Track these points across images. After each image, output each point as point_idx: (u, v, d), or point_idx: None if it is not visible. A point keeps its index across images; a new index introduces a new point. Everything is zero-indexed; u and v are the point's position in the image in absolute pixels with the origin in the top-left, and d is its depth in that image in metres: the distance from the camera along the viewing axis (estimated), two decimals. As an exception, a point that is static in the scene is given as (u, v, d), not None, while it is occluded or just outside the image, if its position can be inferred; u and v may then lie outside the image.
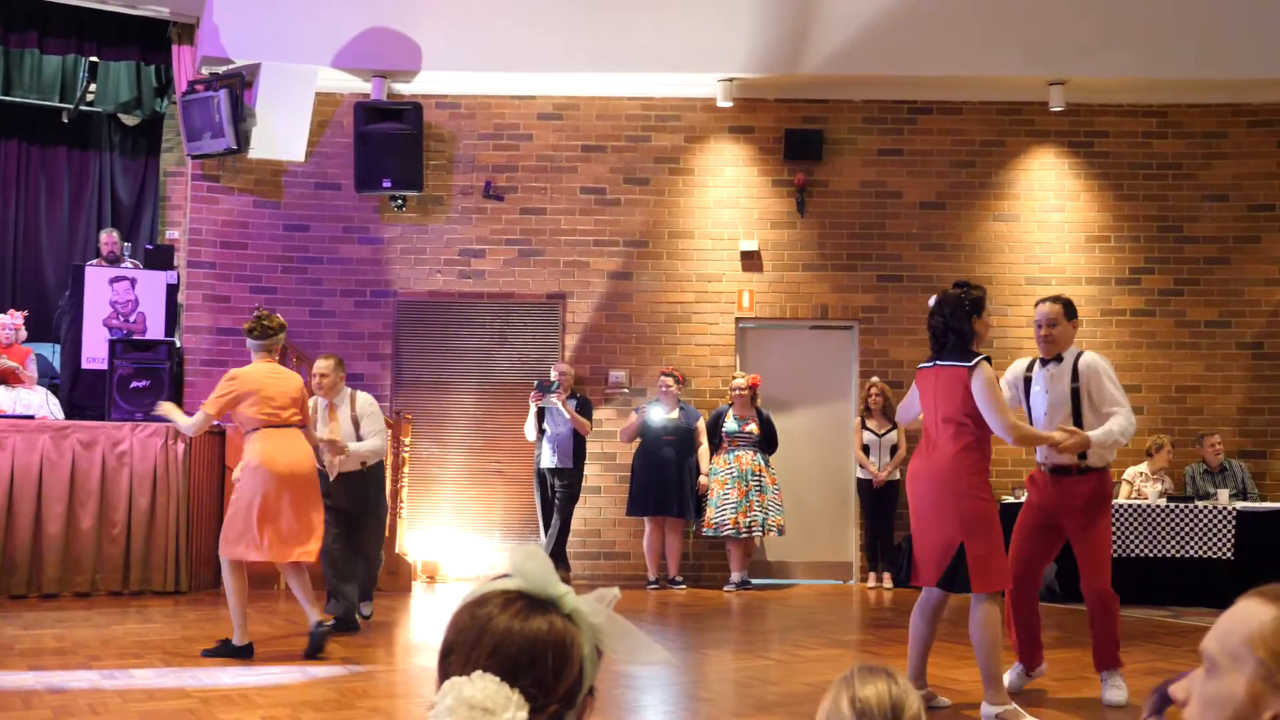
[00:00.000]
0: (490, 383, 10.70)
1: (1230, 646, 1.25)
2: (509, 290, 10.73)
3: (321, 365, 7.60)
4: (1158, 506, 9.19)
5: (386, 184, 10.32)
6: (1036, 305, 5.81)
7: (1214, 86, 10.55)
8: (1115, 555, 8.86)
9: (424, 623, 8.42)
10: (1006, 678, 5.48)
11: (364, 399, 7.74)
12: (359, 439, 7.54)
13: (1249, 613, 1.25)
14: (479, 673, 1.28)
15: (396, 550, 9.58)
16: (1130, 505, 9.24)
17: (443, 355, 10.71)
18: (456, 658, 1.33)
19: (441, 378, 10.67)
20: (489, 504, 10.55)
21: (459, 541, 10.35)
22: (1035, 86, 10.56)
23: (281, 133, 10.30)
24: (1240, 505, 9.24)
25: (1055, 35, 10.22)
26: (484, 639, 1.32)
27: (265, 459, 6.39)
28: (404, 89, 10.67)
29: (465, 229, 10.75)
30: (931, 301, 5.36)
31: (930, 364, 5.28)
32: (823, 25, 10.22)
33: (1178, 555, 9.03)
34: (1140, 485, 9.88)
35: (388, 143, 10.27)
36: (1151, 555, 9.07)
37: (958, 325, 5.17)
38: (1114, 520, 9.12)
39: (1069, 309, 5.74)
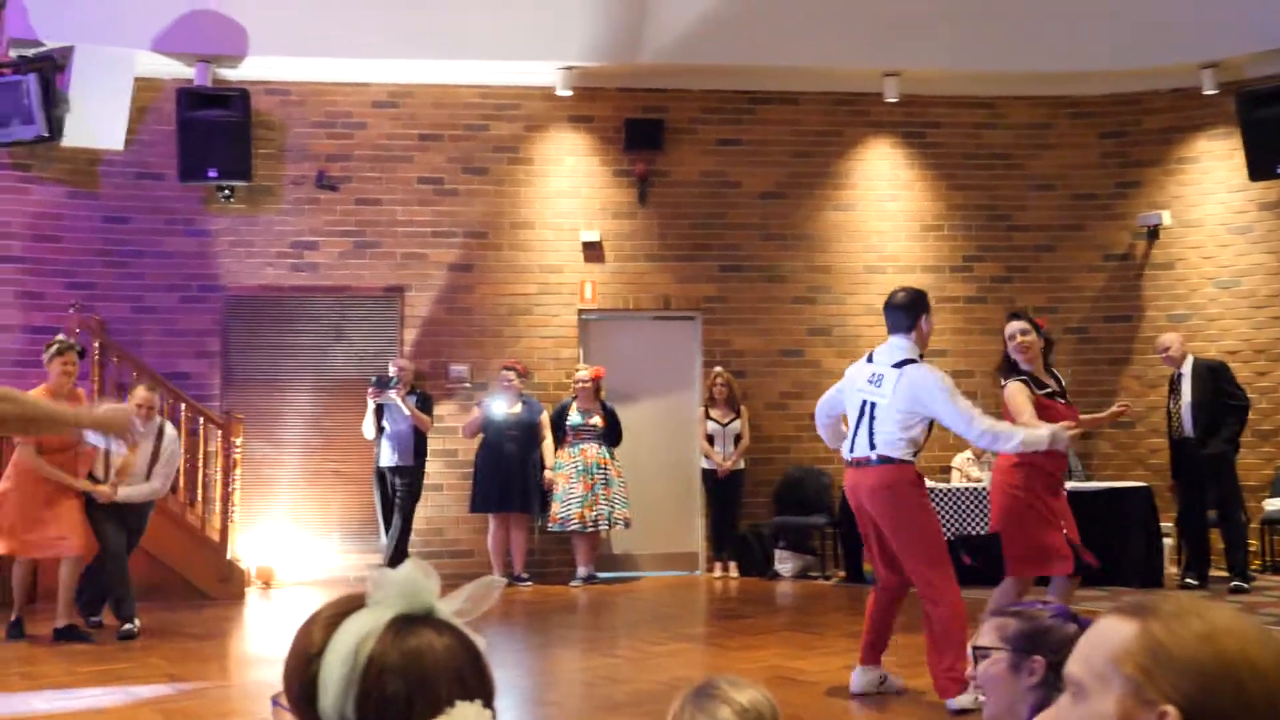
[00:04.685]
0: (326, 379, 10.36)
1: (1096, 667, 1.21)
2: (344, 284, 10.40)
3: (146, 396, 7.49)
4: (983, 487, 9.42)
5: (212, 174, 9.88)
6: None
7: (1039, 79, 10.87)
8: (953, 537, 9.09)
9: (259, 633, 8.09)
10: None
11: (170, 436, 7.73)
12: (149, 476, 7.52)
13: (1111, 630, 1.22)
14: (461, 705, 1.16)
15: (229, 556, 9.20)
16: (965, 489, 9.46)
17: (275, 352, 10.31)
18: (421, 700, 1.17)
19: (274, 375, 10.29)
20: (326, 505, 10.22)
21: (295, 545, 9.99)
22: (870, 78, 10.72)
23: (98, 119, 9.74)
24: (1070, 485, 9.52)
25: (889, 27, 10.37)
26: (435, 673, 1.18)
27: None
28: (230, 74, 10.23)
29: (297, 220, 10.38)
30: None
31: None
32: (662, 14, 10.17)
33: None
34: (968, 470, 10.14)
35: (213, 130, 9.82)
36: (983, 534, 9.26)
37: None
38: (950, 503, 9.35)
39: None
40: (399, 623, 1.20)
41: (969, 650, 2.40)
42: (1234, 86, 10.34)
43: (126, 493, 7.35)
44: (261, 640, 7.71)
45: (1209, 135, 10.71)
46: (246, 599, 9.10)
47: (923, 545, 5.40)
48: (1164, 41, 10.32)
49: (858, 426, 5.56)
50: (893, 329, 5.62)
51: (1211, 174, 10.71)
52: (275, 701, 1.24)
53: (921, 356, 5.60)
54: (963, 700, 5.14)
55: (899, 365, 5.49)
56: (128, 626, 7.25)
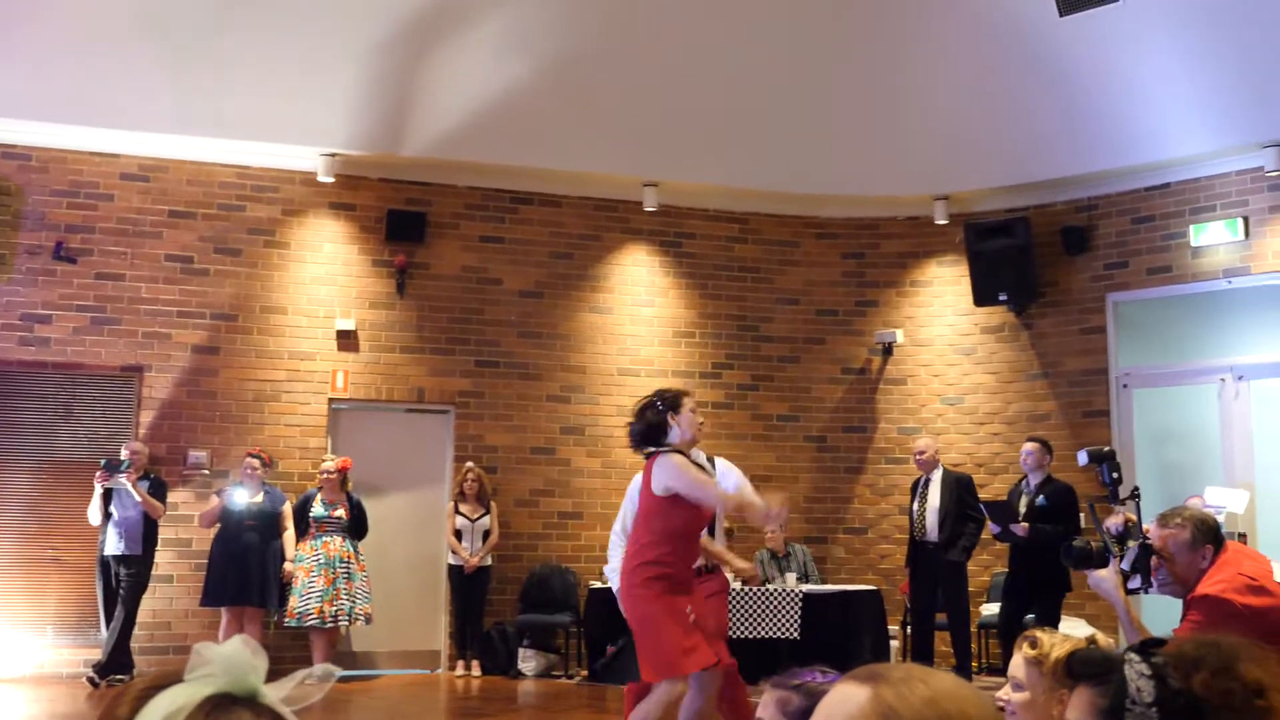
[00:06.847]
0: (51, 462, 9.73)
1: None
2: (78, 360, 9.86)
3: None
4: (732, 590, 9.64)
5: (-64, 237, 9.27)
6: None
7: (789, 199, 11.47)
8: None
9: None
10: None
11: None
12: None
13: (846, 696, 1.32)
14: None
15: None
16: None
17: (-6, 430, 9.65)
18: None
19: (-9, 455, 9.61)
20: (41, 596, 9.52)
21: (1, 639, 9.26)
22: (631, 186, 11.07)
23: None
24: (806, 588, 9.88)
25: (651, 140, 10.76)
26: None
27: None
28: (-37, 134, 9.68)
29: (29, 292, 9.81)
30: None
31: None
32: (428, 108, 10.24)
33: (751, 636, 9.49)
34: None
35: (-60, 192, 9.24)
36: (730, 637, 9.42)
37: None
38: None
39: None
40: (215, 702, 1.10)
41: None
42: (963, 218, 11.19)
43: None
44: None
45: (939, 261, 11.50)
46: (-59, 698, 8.35)
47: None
48: (901, 173, 11.10)
49: None
50: None
51: (941, 297, 11.48)
52: None
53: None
54: None
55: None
56: None
